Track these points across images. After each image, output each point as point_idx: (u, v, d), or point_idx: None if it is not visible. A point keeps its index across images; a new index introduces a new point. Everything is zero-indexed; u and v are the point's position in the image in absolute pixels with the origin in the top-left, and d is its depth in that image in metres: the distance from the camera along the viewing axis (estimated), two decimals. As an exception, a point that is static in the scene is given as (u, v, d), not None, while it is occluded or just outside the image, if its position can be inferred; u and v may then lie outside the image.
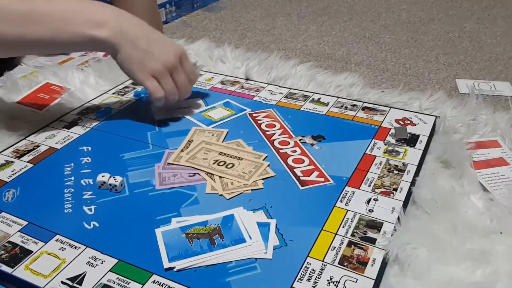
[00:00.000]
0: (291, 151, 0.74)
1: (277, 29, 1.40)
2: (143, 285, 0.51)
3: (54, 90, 0.93)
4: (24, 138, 0.79)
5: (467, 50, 1.26)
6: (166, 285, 0.51)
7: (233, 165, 0.70)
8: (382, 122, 0.82)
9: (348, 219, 0.60)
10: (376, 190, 0.65)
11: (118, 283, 0.51)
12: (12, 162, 0.73)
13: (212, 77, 1.01)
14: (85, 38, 0.72)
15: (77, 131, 0.80)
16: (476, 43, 1.30)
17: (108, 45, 0.74)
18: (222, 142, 0.77)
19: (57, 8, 0.71)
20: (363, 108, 0.87)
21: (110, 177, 0.66)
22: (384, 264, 0.54)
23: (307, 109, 0.87)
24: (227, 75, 1.02)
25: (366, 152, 0.73)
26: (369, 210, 0.61)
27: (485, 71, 1.14)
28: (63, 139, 0.78)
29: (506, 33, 1.35)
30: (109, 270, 0.53)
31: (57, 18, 0.71)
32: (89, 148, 0.76)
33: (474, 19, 1.48)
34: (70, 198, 0.64)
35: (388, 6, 1.61)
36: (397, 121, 0.82)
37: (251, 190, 0.66)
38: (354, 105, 0.88)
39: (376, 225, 0.59)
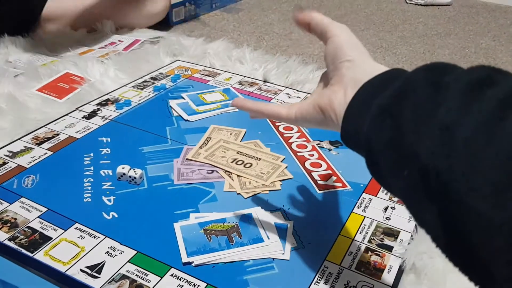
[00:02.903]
0: (309, 155, 0.74)
1: (295, 34, 1.40)
2: (162, 277, 0.51)
3: (74, 80, 0.94)
4: (44, 126, 0.79)
5: (483, 66, 1.26)
6: (184, 279, 0.51)
7: (251, 165, 0.71)
8: (400, 132, 0.82)
9: (365, 225, 0.60)
10: (393, 198, 0.65)
11: (136, 274, 0.52)
12: (31, 148, 0.73)
13: (231, 77, 1.01)
14: None
15: (97, 121, 0.81)
16: (492, 60, 1.30)
17: None
18: (240, 141, 0.77)
19: None
20: (381, 117, 0.87)
21: (130, 169, 0.66)
22: (400, 272, 0.54)
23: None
24: (245, 76, 1.02)
25: (384, 161, 0.74)
26: (386, 218, 0.62)
27: (500, 88, 1.14)
28: (82, 129, 0.79)
29: (522, 52, 1.35)
30: (128, 261, 0.53)
31: None
32: (109, 139, 0.76)
33: (491, 36, 1.48)
34: (89, 188, 0.65)
35: (405, 18, 1.61)
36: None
37: (269, 190, 0.66)
38: (372, 114, 0.88)
39: (393, 233, 0.59)
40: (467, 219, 0.27)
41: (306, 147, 0.77)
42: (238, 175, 0.69)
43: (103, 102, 0.88)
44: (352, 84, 0.42)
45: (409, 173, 0.31)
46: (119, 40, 1.17)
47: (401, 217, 0.62)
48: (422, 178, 0.30)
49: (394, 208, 0.63)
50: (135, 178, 0.65)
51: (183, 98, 0.90)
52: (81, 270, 0.52)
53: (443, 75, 0.32)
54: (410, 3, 1.76)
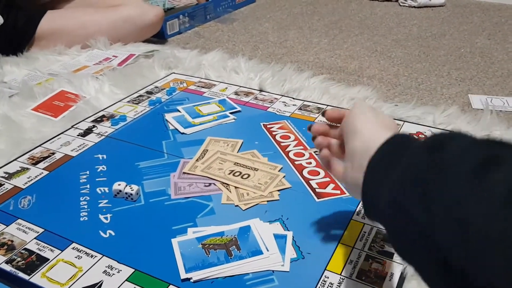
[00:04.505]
0: (307, 163, 0.74)
1: (289, 42, 1.40)
2: (160, 295, 0.51)
3: (69, 98, 0.94)
4: (40, 145, 0.79)
5: (479, 65, 1.26)
6: (183, 295, 0.51)
7: (249, 175, 0.70)
8: (397, 136, 0.82)
9: (365, 232, 0.60)
10: (392, 204, 0.65)
11: (135, 293, 0.51)
12: (27, 169, 0.73)
13: (226, 88, 1.01)
14: None
15: (92, 139, 0.81)
16: (488, 59, 1.30)
17: None
18: (237, 152, 0.77)
19: None
20: (378, 122, 0.86)
21: (126, 185, 0.66)
22: (402, 279, 0.53)
23: (321, 121, 0.87)
24: (241, 86, 1.02)
25: (382, 166, 0.73)
26: (386, 224, 0.61)
27: (497, 87, 1.13)
28: (78, 146, 0.78)
29: (517, 50, 1.35)
30: (126, 280, 0.53)
31: None
32: (104, 156, 0.76)
33: (485, 35, 1.48)
34: (86, 206, 0.64)
35: (399, 21, 1.61)
36: (411, 135, 0.82)
37: (267, 201, 0.65)
38: (368, 119, 0.88)
39: (393, 240, 0.58)
40: None
41: (304, 155, 0.76)
42: (235, 187, 0.68)
43: (98, 119, 0.87)
44: (356, 156, 0.45)
45: (428, 263, 0.33)
46: (113, 56, 1.17)
47: (401, 223, 0.61)
48: (444, 269, 0.32)
49: (394, 214, 0.63)
50: (131, 194, 0.65)
51: (179, 111, 0.90)
52: (79, 291, 0.51)
53: (442, 152, 0.34)
54: (403, 6, 1.76)
